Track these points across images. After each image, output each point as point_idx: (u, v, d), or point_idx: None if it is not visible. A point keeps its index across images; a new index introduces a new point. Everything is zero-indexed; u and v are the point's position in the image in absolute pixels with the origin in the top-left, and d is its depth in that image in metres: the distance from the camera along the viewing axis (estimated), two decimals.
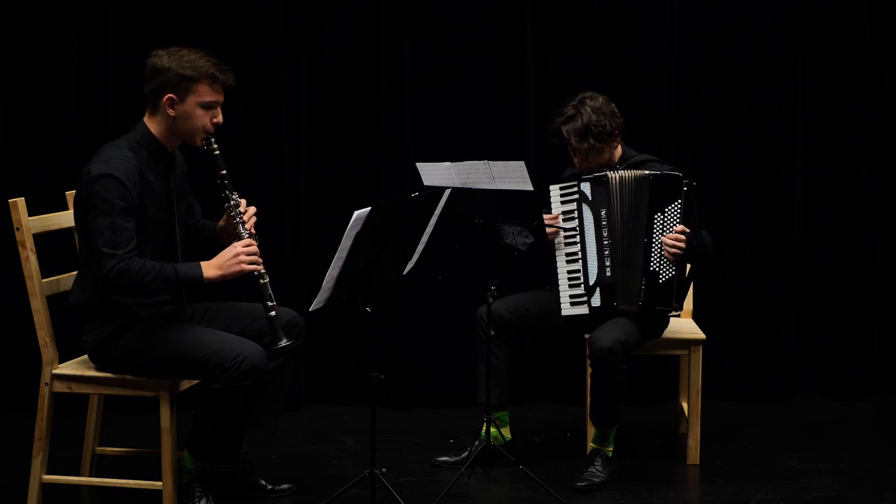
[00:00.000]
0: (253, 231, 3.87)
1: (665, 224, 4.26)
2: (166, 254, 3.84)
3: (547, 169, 4.83)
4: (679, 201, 4.23)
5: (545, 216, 4.36)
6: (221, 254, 3.78)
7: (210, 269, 3.75)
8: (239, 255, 3.75)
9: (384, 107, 5.18)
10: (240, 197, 3.89)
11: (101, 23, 5.03)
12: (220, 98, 3.85)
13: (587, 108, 4.30)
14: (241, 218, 3.85)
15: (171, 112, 3.79)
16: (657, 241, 4.26)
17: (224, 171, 3.85)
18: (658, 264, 4.27)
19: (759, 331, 5.38)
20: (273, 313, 3.77)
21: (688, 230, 4.22)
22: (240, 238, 3.81)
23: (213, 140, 3.84)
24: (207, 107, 3.81)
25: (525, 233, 4.30)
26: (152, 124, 3.83)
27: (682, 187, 4.22)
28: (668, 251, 4.23)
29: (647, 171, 4.27)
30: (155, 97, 3.80)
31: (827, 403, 5.37)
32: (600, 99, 4.35)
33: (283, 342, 3.77)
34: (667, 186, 4.25)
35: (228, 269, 3.75)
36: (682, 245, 4.22)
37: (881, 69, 5.29)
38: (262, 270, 3.78)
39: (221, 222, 4.01)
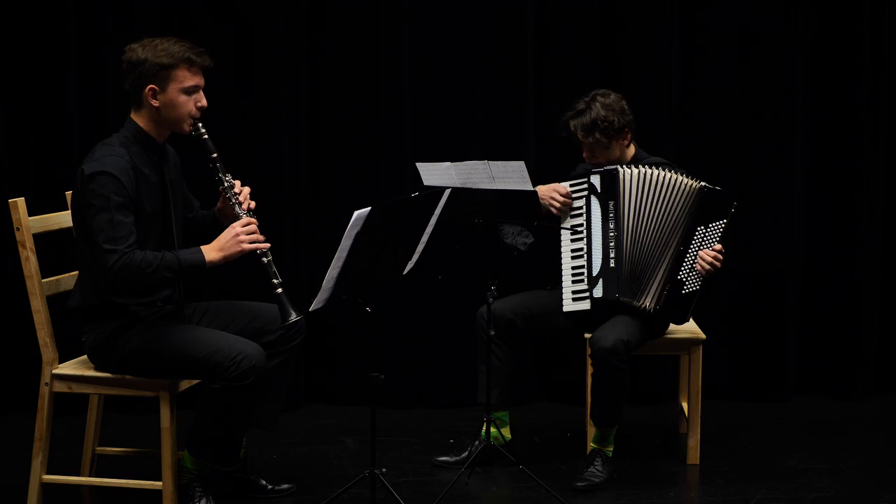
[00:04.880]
0: (252, 207, 3.86)
1: (705, 239, 4.27)
2: (164, 246, 3.83)
3: (547, 169, 4.83)
4: (724, 220, 4.25)
5: (557, 190, 4.38)
6: (221, 236, 3.77)
7: (211, 252, 3.74)
8: (238, 236, 3.74)
9: (384, 107, 5.17)
10: (233, 179, 3.88)
11: (102, 22, 5.03)
12: (201, 81, 3.84)
13: (597, 103, 4.35)
14: (237, 199, 3.85)
15: (154, 103, 3.78)
16: (693, 252, 4.27)
17: (215, 154, 3.84)
18: (687, 275, 4.28)
19: (759, 331, 5.37)
20: (280, 290, 3.75)
21: (723, 251, 4.25)
22: (238, 219, 3.80)
23: (200, 125, 3.84)
24: (189, 92, 3.80)
25: (525, 233, 4.30)
26: (139, 119, 3.83)
27: (731, 207, 4.25)
28: (702, 266, 4.25)
29: (701, 183, 4.28)
30: (137, 91, 3.80)
31: (827, 403, 5.37)
32: (612, 96, 4.40)
33: (294, 316, 3.75)
34: (717, 203, 4.26)
35: (229, 251, 3.74)
36: (718, 265, 4.25)
37: (881, 69, 5.28)
38: (264, 249, 3.77)
39: (219, 204, 4.01)
